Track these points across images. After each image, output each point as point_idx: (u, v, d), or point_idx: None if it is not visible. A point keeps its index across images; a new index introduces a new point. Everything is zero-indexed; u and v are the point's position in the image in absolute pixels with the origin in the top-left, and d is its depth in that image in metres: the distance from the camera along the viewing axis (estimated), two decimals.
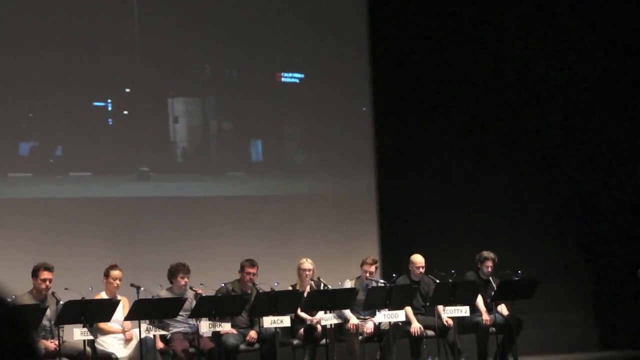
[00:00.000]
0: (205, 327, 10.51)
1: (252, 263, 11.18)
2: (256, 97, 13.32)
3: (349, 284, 11.55)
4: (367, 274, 11.62)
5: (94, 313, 9.92)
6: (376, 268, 11.76)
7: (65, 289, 10.03)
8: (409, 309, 11.62)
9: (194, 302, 10.63)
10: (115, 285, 10.54)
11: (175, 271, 10.79)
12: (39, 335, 9.95)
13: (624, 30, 14.52)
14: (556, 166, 14.60)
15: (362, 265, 11.69)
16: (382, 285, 11.48)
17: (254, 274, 11.13)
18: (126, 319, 10.29)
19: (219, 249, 12.52)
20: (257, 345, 10.96)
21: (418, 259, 11.97)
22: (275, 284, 10.89)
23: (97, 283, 10.54)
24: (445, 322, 11.59)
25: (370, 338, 11.48)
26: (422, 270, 11.92)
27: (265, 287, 10.87)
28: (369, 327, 11.40)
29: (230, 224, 12.96)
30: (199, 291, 10.72)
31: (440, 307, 11.60)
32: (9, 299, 1.10)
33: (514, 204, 14.26)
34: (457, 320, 11.60)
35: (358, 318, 11.47)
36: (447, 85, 14.21)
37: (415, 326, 11.54)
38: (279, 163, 13.66)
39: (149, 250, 12.28)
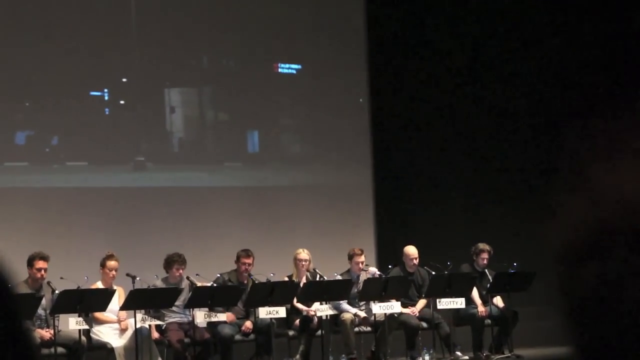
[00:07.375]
0: (200, 317, 10.52)
1: (248, 253, 11.17)
2: (253, 88, 13.31)
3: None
4: (361, 264, 11.60)
5: (89, 302, 9.93)
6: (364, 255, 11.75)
7: (61, 278, 10.02)
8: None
9: (190, 293, 10.64)
10: (112, 275, 10.53)
11: (170, 262, 10.79)
12: (34, 324, 9.96)
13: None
14: (550, 156, 14.58)
15: (351, 259, 11.65)
16: (378, 275, 11.51)
17: (249, 264, 11.12)
18: (122, 308, 10.30)
19: (215, 240, 12.52)
20: (252, 336, 10.97)
21: (411, 250, 11.96)
22: (271, 274, 10.89)
23: (93, 273, 10.53)
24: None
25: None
26: (415, 261, 11.92)
27: (261, 278, 10.87)
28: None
29: (227, 214, 12.95)
30: (194, 281, 10.72)
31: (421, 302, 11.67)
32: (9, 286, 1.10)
33: (510, 196, 14.25)
34: (452, 312, 11.62)
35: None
36: (445, 76, 14.18)
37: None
38: (275, 154, 13.65)
39: (145, 240, 12.27)
